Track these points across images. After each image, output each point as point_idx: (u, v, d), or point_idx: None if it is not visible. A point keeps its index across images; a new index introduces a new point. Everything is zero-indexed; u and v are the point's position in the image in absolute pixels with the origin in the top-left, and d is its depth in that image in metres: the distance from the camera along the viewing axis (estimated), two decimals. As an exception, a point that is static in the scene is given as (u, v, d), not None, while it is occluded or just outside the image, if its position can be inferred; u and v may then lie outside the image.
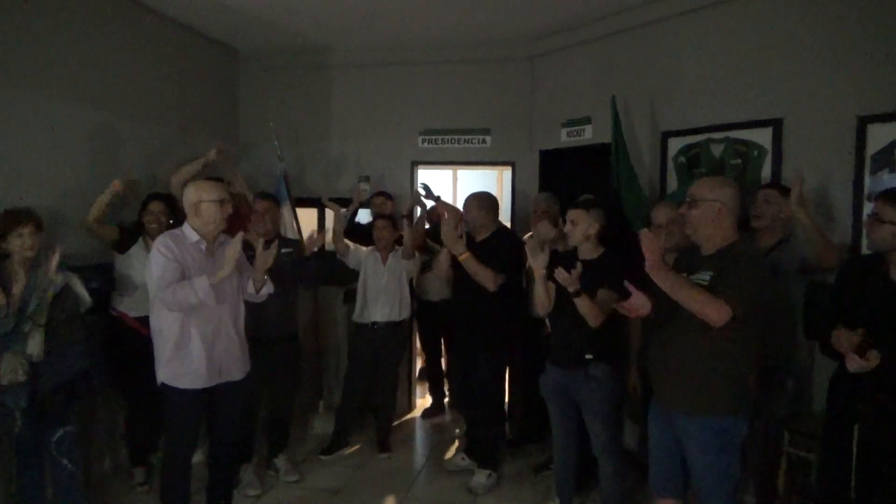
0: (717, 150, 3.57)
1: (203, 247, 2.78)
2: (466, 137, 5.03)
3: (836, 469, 2.33)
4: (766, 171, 3.33)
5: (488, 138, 5.00)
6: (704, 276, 2.25)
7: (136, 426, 3.52)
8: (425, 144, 5.09)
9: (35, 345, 2.62)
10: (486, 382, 3.63)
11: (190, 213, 2.76)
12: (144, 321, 3.26)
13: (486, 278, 3.41)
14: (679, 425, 2.34)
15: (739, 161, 3.46)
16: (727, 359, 2.25)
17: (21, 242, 2.66)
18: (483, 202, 3.62)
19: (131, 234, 3.46)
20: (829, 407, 2.44)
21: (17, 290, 2.63)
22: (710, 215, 2.29)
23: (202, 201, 2.73)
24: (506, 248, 3.56)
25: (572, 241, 2.96)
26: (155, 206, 3.46)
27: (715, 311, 2.13)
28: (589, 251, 2.94)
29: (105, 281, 3.31)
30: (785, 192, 2.93)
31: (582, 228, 2.90)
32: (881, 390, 2.19)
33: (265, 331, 3.39)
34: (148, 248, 3.36)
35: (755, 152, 3.38)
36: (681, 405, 2.32)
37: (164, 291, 2.60)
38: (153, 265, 2.67)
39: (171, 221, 3.45)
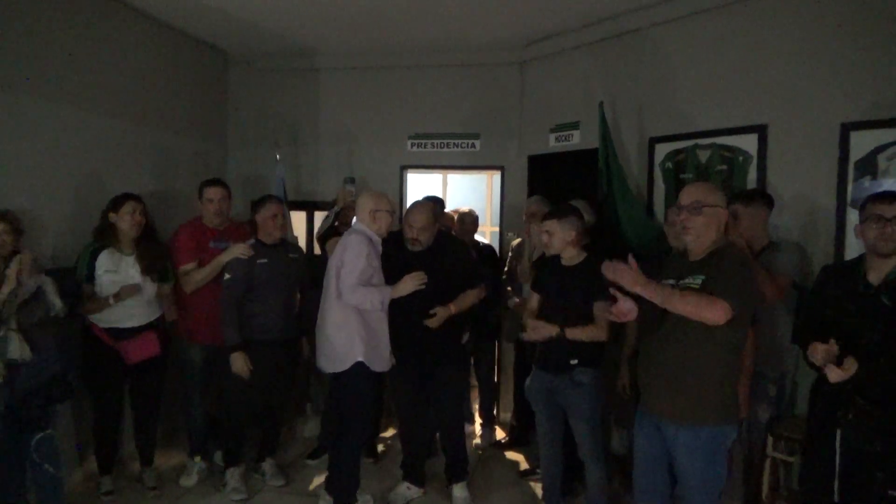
0: (703, 155, 3.59)
1: (380, 248, 3.23)
2: (456, 142, 5.04)
3: (819, 473, 2.33)
4: (752, 177, 3.35)
5: (478, 143, 5.01)
6: (696, 281, 2.25)
7: (104, 435, 3.45)
8: (414, 148, 5.10)
9: (16, 348, 2.60)
10: (452, 396, 3.48)
11: (366, 219, 3.19)
12: (111, 332, 3.26)
13: (477, 296, 3.40)
14: (668, 434, 2.34)
15: (725, 167, 3.48)
16: (717, 367, 2.26)
17: None
18: (434, 210, 3.41)
19: (94, 251, 3.28)
20: (811, 412, 2.45)
21: (6, 289, 2.60)
22: (714, 221, 2.30)
23: (379, 210, 3.18)
24: (463, 253, 3.48)
25: (551, 251, 2.98)
26: (133, 208, 3.31)
27: (713, 311, 2.12)
28: (571, 257, 2.96)
29: (78, 285, 3.22)
30: (753, 200, 2.98)
31: (558, 238, 2.92)
32: (860, 394, 2.20)
33: (270, 334, 3.43)
34: (113, 260, 3.26)
35: (740, 158, 3.41)
36: (671, 415, 2.32)
37: (354, 289, 3.03)
38: (354, 262, 3.04)
39: (145, 224, 3.38)
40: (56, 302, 2.82)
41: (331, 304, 3.14)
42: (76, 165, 3.61)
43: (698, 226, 2.30)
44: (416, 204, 3.42)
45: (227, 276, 3.37)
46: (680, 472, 2.34)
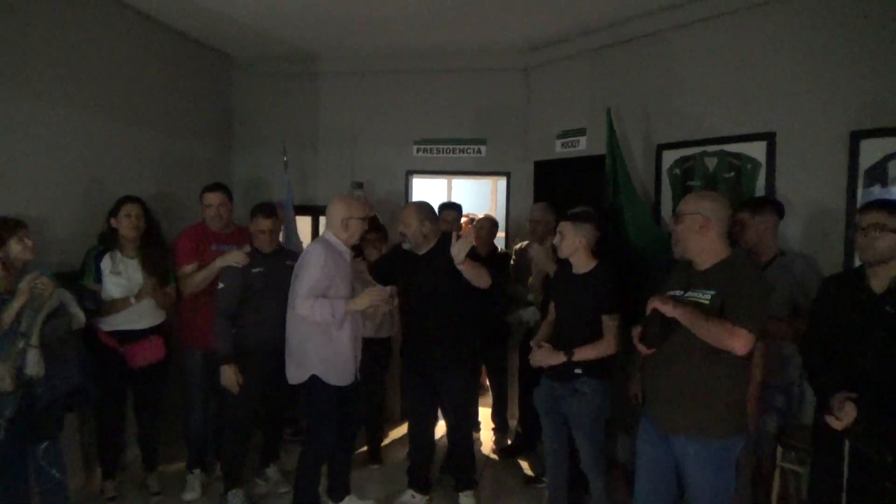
0: (711, 163, 3.58)
1: (348, 257, 3.11)
2: (461, 147, 5.04)
3: (827, 483, 2.33)
4: (760, 185, 3.34)
5: (483, 148, 5.01)
6: (705, 296, 2.25)
7: (107, 440, 3.43)
8: (420, 153, 5.10)
9: (33, 365, 2.61)
10: (458, 401, 3.42)
11: (338, 227, 3.07)
12: (115, 335, 3.24)
13: (486, 275, 3.16)
14: (677, 446, 2.33)
15: (733, 174, 3.47)
16: (727, 380, 2.25)
17: (22, 247, 2.69)
18: (424, 211, 3.27)
19: (97, 254, 3.27)
20: (817, 421, 2.43)
21: (17, 303, 2.60)
22: (693, 228, 2.31)
23: (351, 217, 3.05)
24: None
25: (562, 254, 2.96)
26: (132, 210, 3.30)
27: (734, 342, 2.13)
28: (581, 264, 2.94)
29: (98, 301, 3.19)
30: (762, 209, 2.96)
31: (570, 241, 2.90)
32: (870, 405, 2.18)
33: (267, 342, 3.29)
34: (115, 263, 3.24)
35: (749, 165, 3.40)
36: (681, 429, 2.31)
37: (305, 300, 2.90)
38: (308, 273, 2.92)
39: (148, 227, 3.37)
40: (78, 314, 2.82)
41: (291, 314, 3.07)
42: (81, 170, 3.61)
43: (679, 233, 2.37)
44: (407, 203, 3.38)
45: (220, 285, 3.28)
46: (689, 483, 2.32)
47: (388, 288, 3.13)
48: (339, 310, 2.92)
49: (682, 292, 2.34)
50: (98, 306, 3.15)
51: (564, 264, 3.01)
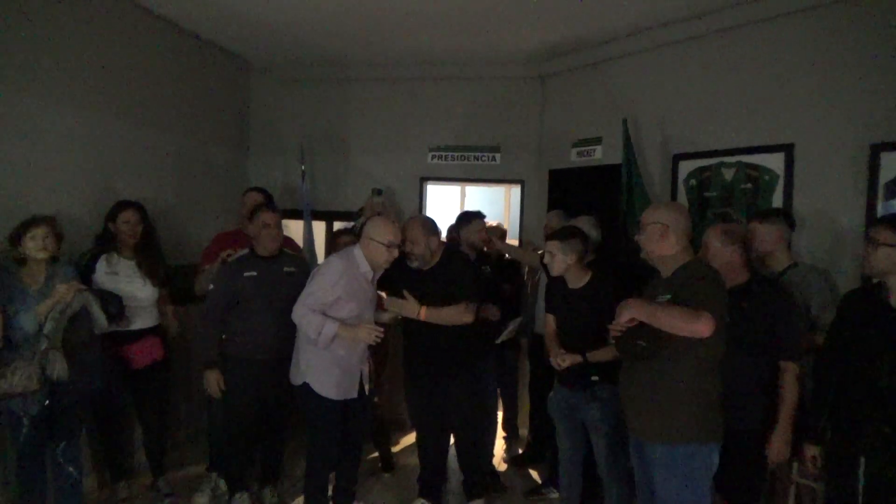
0: (728, 174, 3.57)
1: (369, 277, 3.04)
2: (476, 154, 5.05)
3: (843, 501, 2.30)
4: (778, 196, 3.32)
5: (498, 156, 5.02)
6: (664, 299, 2.29)
7: (111, 443, 3.43)
8: (434, 160, 5.11)
9: (56, 367, 2.63)
10: (462, 410, 3.38)
11: (363, 243, 3.01)
12: (114, 336, 3.19)
13: (460, 315, 3.14)
14: (647, 452, 2.37)
15: (750, 186, 3.46)
16: (692, 384, 2.26)
17: (34, 244, 2.72)
18: (428, 228, 3.19)
19: (93, 255, 3.27)
20: (832, 436, 2.40)
21: (49, 303, 2.65)
22: (654, 237, 2.38)
23: (372, 239, 2.97)
24: (464, 270, 3.27)
25: (554, 273, 2.95)
26: (131, 216, 3.29)
27: (701, 322, 2.11)
28: (575, 279, 2.93)
29: (122, 308, 3.11)
30: (769, 217, 2.93)
31: (559, 259, 2.90)
32: (886, 422, 2.16)
33: (255, 351, 3.18)
34: (111, 265, 3.24)
35: (766, 177, 3.38)
36: (649, 433, 2.34)
37: (300, 307, 2.88)
38: (315, 283, 2.90)
39: (145, 230, 3.36)
40: (101, 318, 2.84)
41: None
42: (96, 172, 3.65)
43: (642, 243, 2.44)
44: (409, 219, 3.34)
45: (210, 286, 3.18)
46: (656, 490, 2.34)
47: (382, 329, 3.01)
48: (328, 331, 2.84)
49: (650, 301, 2.39)
50: (121, 311, 3.13)
51: (558, 279, 3.00)
